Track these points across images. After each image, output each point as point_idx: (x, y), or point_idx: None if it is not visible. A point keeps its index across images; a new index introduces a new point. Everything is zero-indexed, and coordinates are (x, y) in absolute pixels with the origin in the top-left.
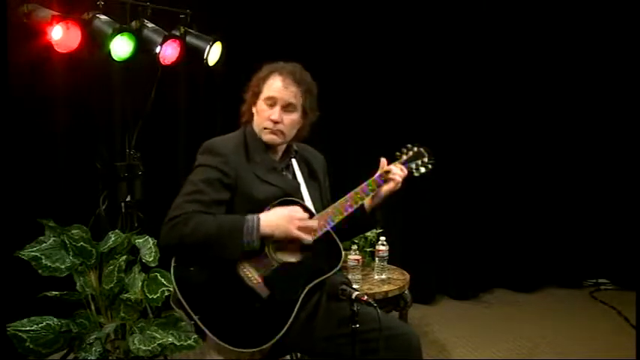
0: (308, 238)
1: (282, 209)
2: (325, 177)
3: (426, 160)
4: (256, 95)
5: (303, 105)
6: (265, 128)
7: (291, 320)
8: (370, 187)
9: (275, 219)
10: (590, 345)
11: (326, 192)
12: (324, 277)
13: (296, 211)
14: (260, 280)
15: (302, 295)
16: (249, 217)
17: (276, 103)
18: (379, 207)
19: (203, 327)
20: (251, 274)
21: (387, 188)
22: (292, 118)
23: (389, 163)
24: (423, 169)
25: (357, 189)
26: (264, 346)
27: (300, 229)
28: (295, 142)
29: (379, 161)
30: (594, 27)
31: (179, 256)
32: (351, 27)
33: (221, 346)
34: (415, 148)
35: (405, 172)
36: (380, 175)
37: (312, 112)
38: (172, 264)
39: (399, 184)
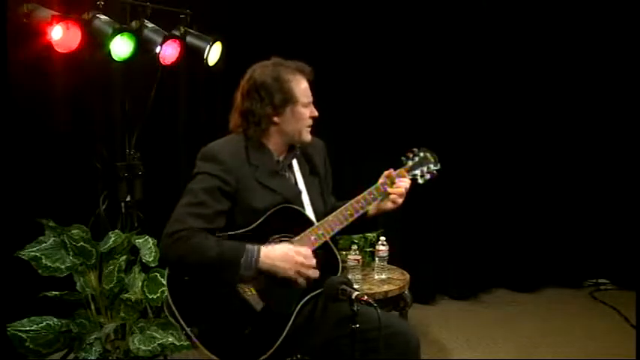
0: (303, 284)
1: (286, 248)
2: (327, 165)
3: (432, 166)
4: (287, 102)
5: None
6: (307, 127)
7: (284, 335)
8: (372, 196)
9: (276, 258)
10: (590, 345)
11: (327, 181)
12: (320, 290)
13: (300, 253)
14: (254, 293)
15: (297, 309)
16: (250, 248)
17: (310, 102)
18: (382, 214)
19: (194, 338)
20: (246, 286)
21: (389, 206)
22: None
23: (395, 168)
24: (428, 176)
25: (359, 197)
26: None
27: (299, 274)
28: None
29: (385, 170)
30: (594, 27)
31: (172, 268)
32: (352, 26)
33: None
34: (421, 154)
35: (407, 186)
36: (382, 184)
37: None
38: (167, 272)
39: (400, 203)
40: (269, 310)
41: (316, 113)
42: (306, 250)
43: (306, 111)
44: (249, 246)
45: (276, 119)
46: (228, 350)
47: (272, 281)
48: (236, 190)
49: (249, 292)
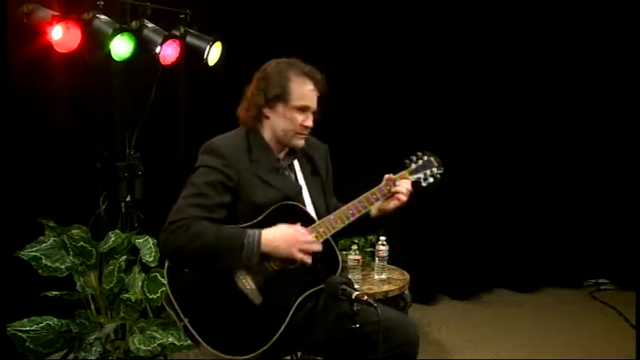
0: (308, 262)
1: (286, 228)
2: (328, 167)
3: (435, 170)
4: (279, 99)
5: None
6: (298, 134)
7: (281, 330)
8: (375, 197)
9: (276, 238)
10: (590, 345)
11: (329, 183)
12: (319, 287)
13: (299, 232)
14: (254, 286)
15: (295, 305)
16: (250, 232)
17: (308, 110)
18: (385, 216)
19: (192, 330)
20: (245, 280)
21: (392, 205)
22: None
23: (397, 171)
24: (431, 180)
25: (362, 197)
26: (251, 355)
27: (301, 251)
28: None
29: (385, 174)
30: (594, 27)
31: (173, 259)
32: (352, 27)
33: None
34: (425, 157)
35: (409, 187)
36: (385, 185)
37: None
38: (166, 263)
39: (405, 200)
40: (267, 305)
41: (310, 123)
42: (303, 229)
43: (299, 116)
44: (249, 230)
45: (267, 112)
46: (226, 343)
47: (272, 276)
48: (237, 185)
49: (249, 286)
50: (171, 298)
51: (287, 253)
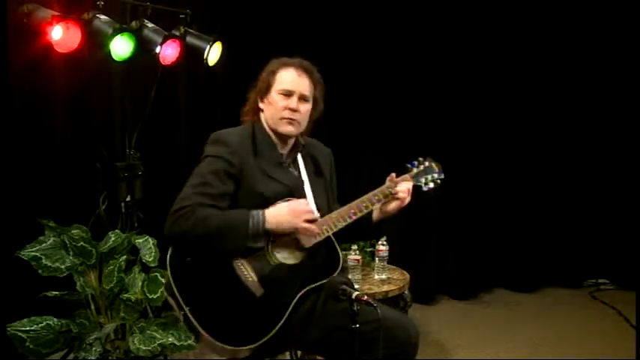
0: (314, 230)
1: (286, 202)
2: (332, 172)
3: (435, 175)
4: (267, 89)
5: (314, 97)
6: (283, 118)
7: (281, 323)
8: (377, 198)
9: (280, 213)
10: (590, 345)
11: (332, 188)
12: (320, 282)
13: (301, 203)
14: (255, 279)
15: (295, 299)
16: (254, 212)
17: (291, 94)
18: (386, 220)
19: (192, 318)
20: (247, 272)
21: (393, 206)
22: (307, 108)
23: (398, 175)
24: (432, 185)
25: (364, 198)
26: (250, 346)
27: (304, 222)
28: (302, 137)
29: (390, 174)
30: (594, 27)
31: (177, 246)
32: (354, 26)
33: (208, 340)
34: (426, 163)
35: (410, 188)
36: (387, 187)
37: (320, 105)
38: (169, 252)
39: (406, 201)
40: (268, 298)
41: (292, 105)
42: (303, 200)
43: (280, 100)
44: (253, 211)
45: (261, 106)
46: (224, 333)
47: (273, 269)
48: (240, 172)
49: (250, 278)
50: (173, 286)
51: (292, 225)
